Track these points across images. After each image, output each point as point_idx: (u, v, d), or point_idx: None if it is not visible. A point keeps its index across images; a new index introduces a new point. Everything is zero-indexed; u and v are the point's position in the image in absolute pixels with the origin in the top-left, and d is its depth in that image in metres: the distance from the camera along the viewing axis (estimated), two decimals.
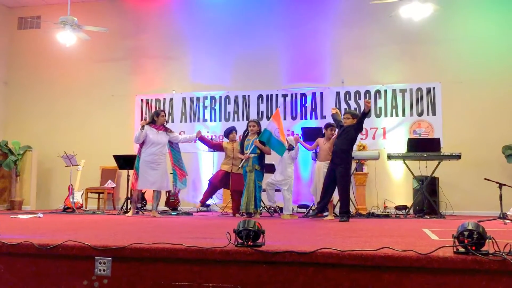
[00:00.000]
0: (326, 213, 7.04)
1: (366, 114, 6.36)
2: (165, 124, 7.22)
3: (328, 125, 7.16)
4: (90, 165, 9.24)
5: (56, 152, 9.04)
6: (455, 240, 2.31)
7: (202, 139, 7.74)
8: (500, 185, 6.18)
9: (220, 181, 7.54)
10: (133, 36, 10.57)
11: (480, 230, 2.26)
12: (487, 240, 2.26)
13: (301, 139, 7.97)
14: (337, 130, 6.90)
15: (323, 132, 7.23)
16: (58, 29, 8.82)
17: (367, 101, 6.37)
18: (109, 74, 10.56)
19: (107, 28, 9.03)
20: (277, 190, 7.49)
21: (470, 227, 2.28)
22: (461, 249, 2.29)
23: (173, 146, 7.29)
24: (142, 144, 7.04)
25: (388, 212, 8.28)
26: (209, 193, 7.78)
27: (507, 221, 5.95)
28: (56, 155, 9.01)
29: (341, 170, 6.35)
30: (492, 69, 8.91)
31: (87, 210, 8.75)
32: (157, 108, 9.92)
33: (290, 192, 7.22)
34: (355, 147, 8.87)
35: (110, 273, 2.60)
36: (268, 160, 7.59)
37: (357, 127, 6.47)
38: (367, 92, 9.48)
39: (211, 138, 8.57)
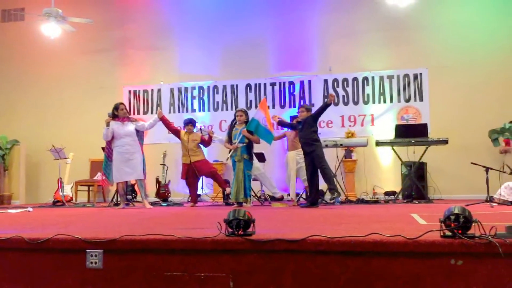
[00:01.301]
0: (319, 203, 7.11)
1: (328, 106, 6.60)
2: (128, 115, 7.28)
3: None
4: (79, 158, 9.18)
5: (44, 145, 8.97)
6: (442, 224, 2.34)
7: (164, 121, 7.64)
8: (487, 169, 6.26)
9: (188, 175, 7.58)
10: (119, 27, 10.47)
11: (466, 214, 2.30)
12: (473, 224, 2.30)
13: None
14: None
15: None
16: (43, 21, 8.71)
17: (332, 94, 6.70)
18: (96, 65, 10.47)
19: (93, 20, 8.92)
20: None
21: (456, 211, 2.31)
22: (448, 233, 2.32)
23: (139, 135, 7.28)
24: (110, 142, 7.09)
25: (377, 198, 8.37)
26: (191, 191, 7.79)
27: (494, 204, 6.05)
28: (44, 149, 8.94)
29: (315, 154, 6.52)
30: (477, 54, 8.99)
31: (77, 203, 8.72)
32: (143, 99, 9.95)
33: (268, 178, 7.33)
34: (343, 134, 9.02)
35: (102, 265, 2.61)
36: (256, 149, 7.62)
37: (316, 116, 6.72)
38: (355, 79, 9.51)
39: (200, 129, 8.54)
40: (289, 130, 7.66)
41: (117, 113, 7.15)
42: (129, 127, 7.11)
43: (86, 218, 4.83)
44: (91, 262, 2.62)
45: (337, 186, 6.77)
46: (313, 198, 6.63)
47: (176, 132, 7.82)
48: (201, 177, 8.19)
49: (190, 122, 7.79)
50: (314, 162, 6.53)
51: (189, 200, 8.08)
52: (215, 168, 8.00)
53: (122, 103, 7.37)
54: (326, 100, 6.69)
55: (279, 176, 8.96)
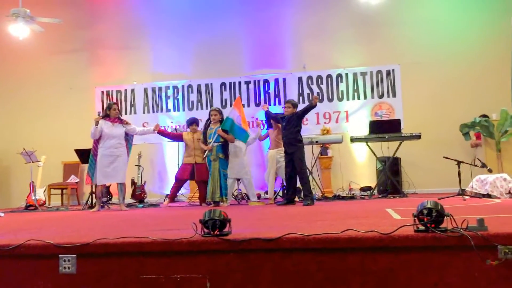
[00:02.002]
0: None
1: (313, 107, 6.62)
2: (120, 117, 7.12)
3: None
4: (51, 161, 9.01)
5: (15, 149, 8.73)
6: (415, 218, 2.37)
7: (161, 133, 7.66)
8: (458, 163, 6.38)
9: (186, 174, 7.53)
10: (89, 26, 10.30)
11: (439, 208, 2.33)
12: (445, 217, 2.34)
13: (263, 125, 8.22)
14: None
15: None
16: (10, 21, 8.49)
17: (316, 97, 6.69)
18: (67, 66, 10.28)
19: (62, 19, 8.74)
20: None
21: (429, 206, 2.34)
22: (421, 227, 2.35)
23: (128, 139, 7.18)
24: (97, 140, 6.94)
25: (353, 193, 8.46)
26: (177, 188, 7.74)
27: (466, 197, 6.18)
28: (15, 152, 8.71)
29: (296, 157, 6.52)
30: (447, 50, 9.16)
31: (50, 207, 8.56)
32: (116, 100, 9.84)
33: (251, 179, 7.40)
34: (318, 131, 9.07)
35: (75, 270, 2.55)
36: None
37: (301, 115, 6.72)
38: (329, 76, 9.59)
39: (175, 129, 8.48)
40: (268, 128, 7.67)
41: (109, 113, 6.99)
42: (119, 129, 6.95)
43: (59, 222, 4.73)
44: (64, 268, 2.57)
45: (312, 193, 6.74)
46: (290, 196, 6.65)
47: (178, 137, 7.78)
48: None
49: (194, 122, 7.73)
50: (294, 163, 6.53)
51: (166, 198, 7.98)
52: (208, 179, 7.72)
53: (115, 103, 7.21)
54: (311, 101, 6.70)
55: (255, 174, 8.96)
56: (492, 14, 8.98)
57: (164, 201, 7.95)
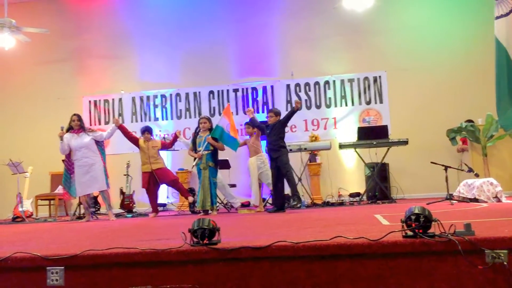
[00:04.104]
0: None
1: (295, 112, 6.72)
2: (84, 126, 7.11)
3: (246, 124, 7.61)
4: (38, 172, 8.91)
5: (1, 160, 8.65)
6: (403, 224, 2.39)
7: (121, 128, 7.53)
8: (446, 168, 6.43)
9: (149, 183, 7.46)
10: (76, 36, 10.27)
11: (426, 213, 2.35)
12: (433, 223, 2.35)
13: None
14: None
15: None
16: None
17: (298, 101, 6.82)
18: (54, 76, 10.22)
19: (48, 29, 8.70)
20: None
21: (416, 211, 2.36)
22: (409, 233, 2.36)
23: (99, 145, 7.14)
24: (69, 155, 6.95)
25: (343, 200, 8.48)
26: (152, 199, 7.61)
27: (454, 201, 6.22)
28: (1, 163, 8.62)
29: (280, 160, 6.59)
30: (433, 57, 9.27)
31: (38, 218, 8.46)
32: (104, 109, 9.82)
33: (222, 183, 7.57)
34: (307, 138, 9.10)
35: (63, 282, 2.53)
36: (220, 156, 7.59)
37: (284, 122, 6.82)
38: (317, 83, 9.64)
39: (164, 137, 8.44)
40: (247, 136, 7.70)
41: (71, 125, 7.02)
42: (84, 139, 6.93)
43: (47, 234, 4.68)
44: (52, 280, 2.54)
45: (300, 194, 6.83)
46: (280, 203, 6.66)
47: (134, 141, 7.65)
48: (167, 187, 8.08)
49: (147, 130, 7.64)
50: (280, 168, 6.57)
51: (154, 215, 7.88)
52: (176, 177, 7.89)
53: (74, 115, 7.19)
54: (293, 107, 6.76)
55: (244, 182, 8.96)
56: (475, 21, 9.11)
57: (151, 214, 7.79)
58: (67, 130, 6.99)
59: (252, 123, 7.35)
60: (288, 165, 6.67)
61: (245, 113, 9.70)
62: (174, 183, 7.60)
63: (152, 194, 7.60)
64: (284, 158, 6.64)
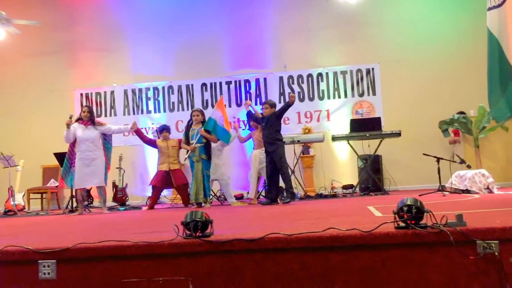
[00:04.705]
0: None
1: (290, 106, 6.66)
2: (94, 119, 7.08)
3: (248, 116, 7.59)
4: (30, 165, 8.86)
5: None
6: (396, 215, 2.39)
7: (138, 133, 7.59)
8: (438, 159, 6.47)
9: (162, 182, 7.49)
10: (68, 28, 10.17)
11: (418, 205, 2.36)
12: (425, 214, 2.36)
13: (238, 128, 8.24)
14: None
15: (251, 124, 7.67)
16: None
17: (292, 95, 6.74)
18: (45, 69, 10.13)
19: (39, 21, 8.61)
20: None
21: (408, 202, 2.37)
22: (402, 224, 2.37)
23: (106, 139, 7.13)
24: (73, 144, 6.92)
25: (336, 192, 8.51)
26: (155, 197, 7.64)
27: (446, 192, 6.26)
28: None
29: (276, 154, 6.55)
30: (426, 49, 9.27)
31: (30, 212, 8.42)
32: (96, 102, 9.77)
33: (227, 180, 7.46)
34: (300, 130, 9.10)
35: (55, 276, 2.51)
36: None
37: (279, 115, 6.74)
38: (310, 75, 9.62)
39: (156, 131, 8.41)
40: (250, 128, 7.67)
41: (81, 115, 7.00)
42: (91, 132, 6.90)
43: (39, 227, 4.66)
44: (44, 273, 2.52)
45: (294, 187, 6.80)
46: (273, 195, 6.66)
47: (152, 143, 7.73)
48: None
49: (165, 129, 7.70)
50: (275, 162, 6.55)
51: (147, 203, 7.90)
52: (187, 181, 7.66)
53: (86, 106, 7.23)
54: (287, 100, 6.74)
55: (237, 175, 8.97)
56: (468, 13, 9.11)
57: (144, 207, 7.79)
58: (77, 120, 6.95)
59: (249, 114, 7.34)
60: (283, 160, 6.60)
61: (238, 105, 9.69)
62: (184, 187, 7.50)
63: (158, 192, 7.66)
64: (279, 152, 6.57)
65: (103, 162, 6.94)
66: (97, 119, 7.27)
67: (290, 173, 6.86)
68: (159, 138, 7.75)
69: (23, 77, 10.21)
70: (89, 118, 6.96)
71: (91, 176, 6.83)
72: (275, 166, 6.57)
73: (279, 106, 6.93)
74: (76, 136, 6.85)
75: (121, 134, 8.18)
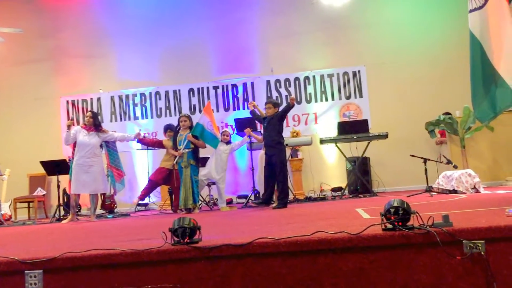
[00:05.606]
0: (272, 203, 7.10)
1: (291, 108, 6.62)
2: (98, 124, 7.01)
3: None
4: (16, 174, 8.76)
5: None
6: (383, 217, 2.41)
7: (141, 141, 7.62)
8: (425, 160, 6.51)
9: (163, 178, 7.51)
10: (52, 35, 10.11)
11: (405, 206, 2.37)
12: (412, 215, 2.38)
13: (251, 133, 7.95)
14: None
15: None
16: None
17: (292, 98, 6.66)
18: (30, 76, 10.05)
19: (23, 29, 8.55)
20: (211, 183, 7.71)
21: (395, 204, 2.38)
22: (389, 226, 2.39)
23: (109, 146, 7.09)
24: (75, 147, 6.86)
25: (325, 195, 8.54)
26: (149, 190, 7.71)
27: (433, 193, 6.30)
28: None
29: (277, 159, 6.48)
30: (411, 51, 9.37)
31: (17, 221, 8.31)
32: (83, 109, 9.72)
33: (224, 185, 7.41)
34: (288, 133, 9.11)
35: (42, 286, 2.49)
36: (202, 154, 7.55)
37: (281, 117, 6.67)
38: (297, 79, 9.66)
39: (144, 136, 8.39)
40: (237, 133, 7.64)
41: (85, 120, 6.98)
42: (92, 139, 6.83)
43: (26, 237, 4.60)
44: (31, 284, 2.49)
45: (288, 197, 6.69)
46: (267, 196, 6.64)
47: (159, 144, 7.77)
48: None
49: (169, 128, 7.74)
50: (274, 167, 6.50)
51: (137, 200, 8.03)
52: None
53: (90, 111, 7.15)
54: (288, 102, 6.67)
55: (228, 179, 8.93)
56: (452, 15, 9.22)
57: (134, 200, 7.93)
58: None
59: (252, 113, 7.23)
60: (282, 165, 6.49)
61: (226, 110, 9.68)
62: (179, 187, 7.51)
63: (153, 187, 7.70)
64: (280, 157, 6.47)
65: (100, 169, 6.87)
66: (102, 127, 7.14)
67: (287, 180, 6.68)
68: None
69: (9, 85, 10.11)
70: (92, 123, 6.88)
71: (88, 182, 6.75)
72: (273, 169, 6.51)
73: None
74: (77, 141, 6.78)
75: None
